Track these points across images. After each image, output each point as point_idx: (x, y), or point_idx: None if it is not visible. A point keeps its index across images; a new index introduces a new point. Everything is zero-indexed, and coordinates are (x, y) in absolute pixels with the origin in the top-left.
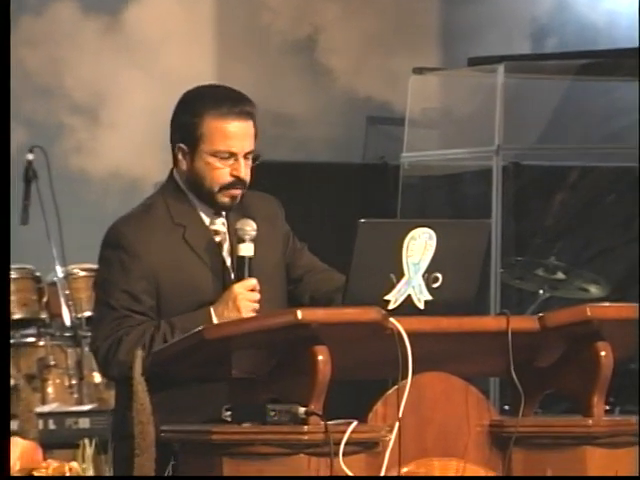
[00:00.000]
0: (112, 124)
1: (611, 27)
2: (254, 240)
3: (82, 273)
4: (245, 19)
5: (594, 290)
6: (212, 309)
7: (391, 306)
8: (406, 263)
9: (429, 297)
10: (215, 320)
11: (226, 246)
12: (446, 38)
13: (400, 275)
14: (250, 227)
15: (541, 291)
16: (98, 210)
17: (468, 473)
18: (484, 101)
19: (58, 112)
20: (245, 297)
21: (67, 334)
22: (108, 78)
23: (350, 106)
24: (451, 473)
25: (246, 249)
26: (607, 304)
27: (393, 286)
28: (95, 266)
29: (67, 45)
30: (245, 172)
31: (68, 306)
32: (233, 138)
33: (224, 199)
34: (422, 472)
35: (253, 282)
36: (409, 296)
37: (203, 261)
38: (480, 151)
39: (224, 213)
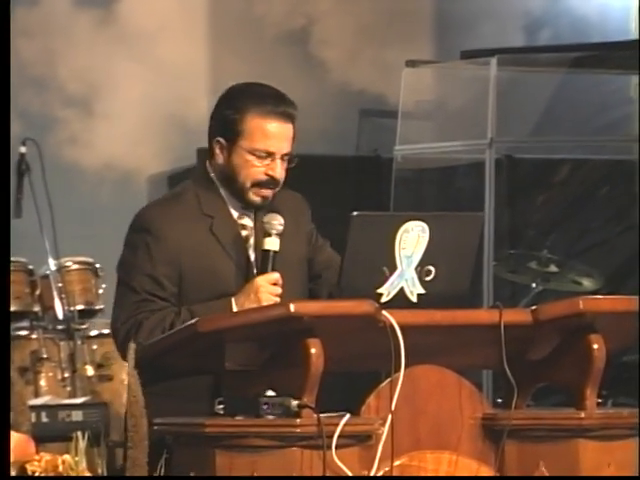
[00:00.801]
0: (106, 116)
1: (603, 20)
2: (280, 235)
3: (75, 266)
4: (239, 10)
5: (587, 283)
6: (233, 299)
7: (384, 299)
8: (399, 256)
9: (422, 290)
10: (235, 310)
11: (252, 241)
12: (439, 31)
13: (393, 268)
14: (277, 221)
15: (534, 284)
16: (91, 202)
17: (461, 466)
18: (477, 94)
19: (52, 104)
20: (267, 290)
21: (60, 327)
22: (102, 70)
23: (343, 98)
24: (444, 466)
25: (271, 243)
26: (600, 297)
27: (386, 279)
28: (88, 259)
29: (61, 36)
30: (280, 173)
31: (61, 299)
32: (272, 138)
33: (255, 198)
34: (415, 465)
35: (276, 276)
36: (402, 289)
37: (228, 253)
38: (473, 144)
39: (253, 210)
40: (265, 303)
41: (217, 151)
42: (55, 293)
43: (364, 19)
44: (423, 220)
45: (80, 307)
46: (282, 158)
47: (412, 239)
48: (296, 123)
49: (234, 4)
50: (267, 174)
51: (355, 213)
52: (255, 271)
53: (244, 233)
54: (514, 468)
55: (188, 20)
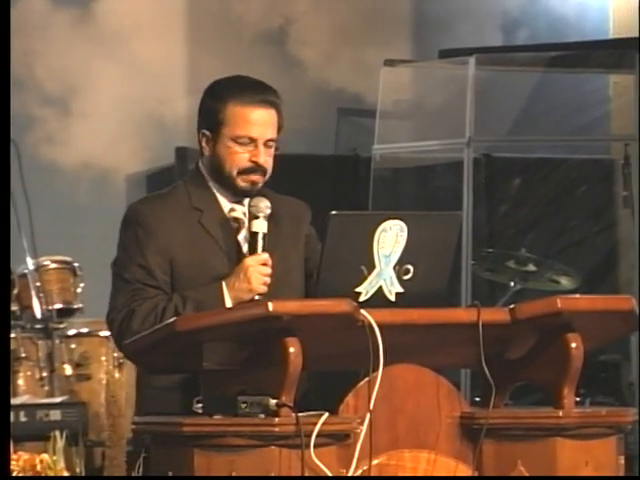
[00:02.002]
0: (83, 115)
1: (581, 19)
2: (270, 225)
3: (53, 265)
4: (216, 10)
5: (565, 282)
6: (224, 282)
7: (362, 298)
8: (377, 255)
9: (400, 289)
10: (226, 292)
11: (243, 232)
12: (417, 30)
13: (371, 267)
14: (264, 204)
15: (512, 283)
16: (69, 201)
17: (439, 465)
18: (455, 93)
19: (29, 103)
20: (256, 269)
21: (38, 326)
22: (79, 69)
23: (321, 98)
24: (422, 464)
25: (259, 225)
26: (578, 296)
27: (364, 278)
28: (66, 258)
29: (38, 36)
30: (264, 159)
31: (39, 298)
32: (254, 124)
33: (243, 184)
34: (393, 464)
35: (265, 256)
36: (380, 288)
37: (217, 244)
38: (451, 143)
39: (245, 202)
40: (255, 282)
41: (203, 143)
42: (33, 292)
43: (342, 19)
44: (401, 219)
45: (58, 306)
46: (266, 144)
47: (390, 238)
48: (281, 109)
49: (212, 4)
50: (251, 160)
51: (333, 212)
52: None
53: (235, 225)
54: (492, 467)
55: (166, 20)
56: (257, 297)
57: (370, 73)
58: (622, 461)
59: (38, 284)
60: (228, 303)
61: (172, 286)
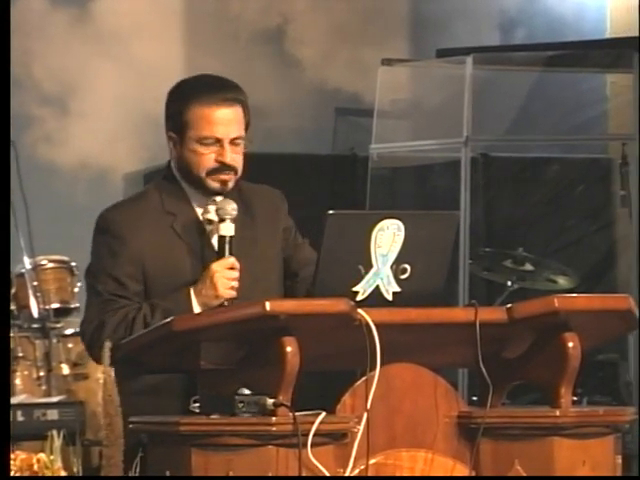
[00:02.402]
0: (81, 114)
1: (579, 19)
2: (235, 220)
3: (50, 264)
4: (214, 9)
5: (562, 281)
6: (192, 289)
7: (359, 297)
8: (374, 254)
9: (397, 288)
10: (194, 299)
11: (217, 234)
12: (415, 29)
13: (368, 266)
14: (230, 206)
15: (509, 282)
16: (67, 201)
17: (436, 464)
18: (453, 92)
19: (27, 103)
20: (222, 275)
21: (35, 325)
22: (77, 69)
23: (319, 97)
24: (419, 464)
25: (226, 228)
26: (575, 295)
27: (361, 277)
28: (63, 257)
29: (36, 36)
30: (231, 158)
31: (36, 297)
32: (217, 124)
33: (214, 184)
34: (390, 463)
35: (231, 260)
36: (377, 287)
37: (191, 248)
38: (449, 142)
39: (217, 198)
40: (221, 288)
41: (171, 146)
42: (30, 292)
43: (340, 18)
44: (399, 218)
45: (55, 306)
46: (232, 143)
47: (388, 237)
48: (247, 105)
49: (209, 3)
50: (217, 160)
51: (331, 212)
52: None
53: (209, 227)
54: (489, 466)
55: (163, 19)
56: (225, 303)
57: (368, 72)
58: (619, 461)
59: (35, 283)
60: (196, 309)
61: (147, 293)
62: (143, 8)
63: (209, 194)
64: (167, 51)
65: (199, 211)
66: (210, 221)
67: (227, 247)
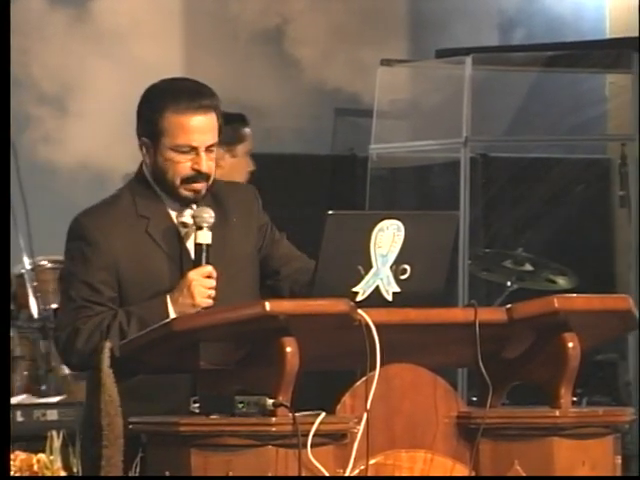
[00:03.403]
0: (80, 114)
1: (578, 19)
2: (216, 224)
3: (49, 265)
4: (213, 9)
5: (562, 281)
6: (168, 296)
7: (359, 298)
8: (374, 255)
9: (397, 289)
10: (170, 307)
11: (192, 238)
12: (414, 30)
13: (368, 267)
14: (208, 214)
15: (509, 283)
16: (66, 201)
17: (436, 464)
18: (452, 93)
19: (25, 102)
20: (200, 283)
21: (35, 326)
22: (76, 68)
23: (318, 97)
24: (419, 464)
25: (203, 236)
26: (574, 295)
27: (361, 278)
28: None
29: (35, 35)
30: (207, 165)
31: (36, 298)
32: (193, 132)
33: (186, 193)
34: (390, 463)
35: (208, 269)
36: (377, 288)
37: (165, 253)
38: (448, 143)
39: (194, 206)
40: (198, 297)
41: (144, 151)
42: (30, 292)
43: (339, 18)
44: (398, 219)
45: (55, 306)
46: (207, 150)
47: (387, 238)
48: (220, 110)
49: (208, 3)
50: (193, 168)
51: (330, 212)
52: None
53: (184, 231)
54: (489, 466)
55: (162, 19)
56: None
57: (367, 73)
58: (619, 461)
59: (35, 284)
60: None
61: (122, 298)
62: (142, 8)
63: (181, 202)
64: (166, 51)
65: (173, 214)
66: (185, 224)
67: (204, 255)
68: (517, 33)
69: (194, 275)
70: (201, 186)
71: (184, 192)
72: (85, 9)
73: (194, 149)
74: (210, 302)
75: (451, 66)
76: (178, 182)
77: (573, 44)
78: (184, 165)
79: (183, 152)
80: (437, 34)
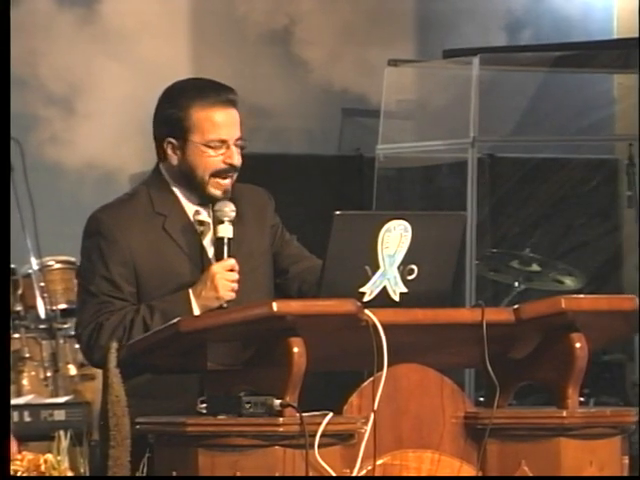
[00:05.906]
0: (87, 115)
1: (586, 19)
2: (234, 223)
3: (57, 265)
4: (221, 10)
5: (569, 282)
6: (190, 290)
7: (366, 298)
8: (381, 255)
9: (404, 289)
10: (193, 300)
11: (209, 236)
12: (421, 30)
13: (375, 267)
14: (229, 208)
15: (516, 283)
16: (73, 201)
17: (443, 465)
18: (459, 93)
19: (33, 103)
20: (223, 276)
21: (42, 326)
22: (83, 69)
23: (325, 98)
24: (426, 464)
25: (225, 230)
26: (582, 296)
27: (368, 278)
28: (70, 258)
29: (43, 36)
30: (237, 159)
31: (43, 298)
32: (222, 126)
33: (215, 191)
34: (397, 464)
35: (232, 262)
36: (384, 288)
37: (182, 249)
38: (455, 143)
39: (210, 205)
40: (222, 290)
41: (170, 152)
42: (37, 292)
43: (346, 19)
44: (405, 219)
45: (62, 306)
46: (235, 144)
47: (394, 238)
48: (239, 108)
49: (216, 3)
50: (225, 162)
51: (337, 212)
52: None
53: (201, 228)
54: (496, 467)
55: (170, 19)
56: (225, 304)
57: (374, 73)
58: (626, 461)
59: (42, 284)
60: (196, 311)
61: (138, 295)
62: (149, 8)
63: (205, 199)
64: (174, 51)
65: (190, 213)
66: (201, 222)
67: (226, 248)
68: (525, 33)
69: (217, 268)
70: (229, 184)
71: (213, 190)
72: (92, 10)
73: (224, 142)
74: (233, 295)
75: (458, 66)
76: (207, 177)
77: (581, 44)
78: (215, 159)
79: (214, 147)
80: (444, 34)
